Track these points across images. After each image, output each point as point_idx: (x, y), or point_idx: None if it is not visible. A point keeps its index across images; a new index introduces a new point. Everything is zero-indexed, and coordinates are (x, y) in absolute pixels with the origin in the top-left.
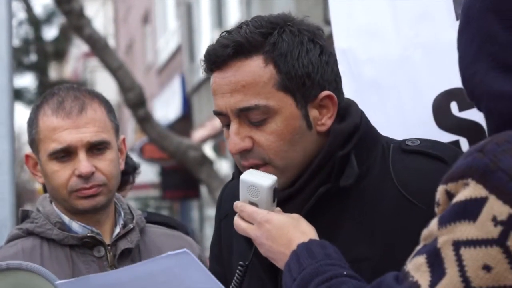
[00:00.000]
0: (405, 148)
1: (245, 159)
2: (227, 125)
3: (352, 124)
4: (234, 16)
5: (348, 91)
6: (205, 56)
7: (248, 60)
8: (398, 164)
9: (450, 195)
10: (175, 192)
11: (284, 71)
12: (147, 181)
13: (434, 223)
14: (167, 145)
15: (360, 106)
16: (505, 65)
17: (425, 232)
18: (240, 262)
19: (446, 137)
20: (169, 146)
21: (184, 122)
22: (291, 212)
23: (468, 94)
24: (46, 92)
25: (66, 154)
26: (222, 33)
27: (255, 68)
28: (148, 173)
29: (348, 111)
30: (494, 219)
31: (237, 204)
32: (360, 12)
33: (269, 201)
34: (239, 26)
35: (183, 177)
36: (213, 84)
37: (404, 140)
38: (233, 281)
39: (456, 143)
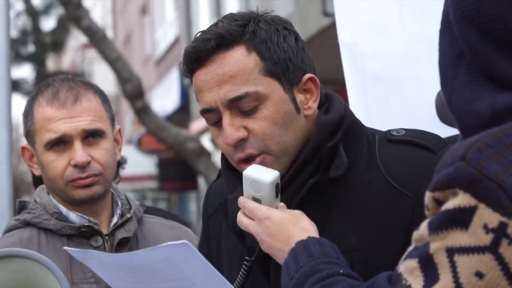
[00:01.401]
0: (390, 138)
1: (241, 150)
2: (215, 122)
3: (338, 115)
4: (232, 7)
5: (352, 85)
6: (185, 56)
7: (231, 51)
8: (384, 154)
9: (438, 202)
10: (172, 183)
11: (267, 57)
12: (144, 173)
13: (424, 227)
14: (165, 136)
15: (364, 100)
16: (483, 74)
17: (415, 234)
18: (246, 257)
19: (448, 131)
20: (167, 137)
21: (182, 114)
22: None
23: (445, 98)
24: (41, 83)
25: (61, 143)
26: (196, 33)
27: (240, 57)
28: (145, 164)
29: (332, 104)
30: (485, 226)
31: (240, 200)
32: (364, 6)
33: (271, 197)
34: (214, 24)
35: (181, 169)
36: (198, 83)
37: (389, 131)
38: (239, 276)
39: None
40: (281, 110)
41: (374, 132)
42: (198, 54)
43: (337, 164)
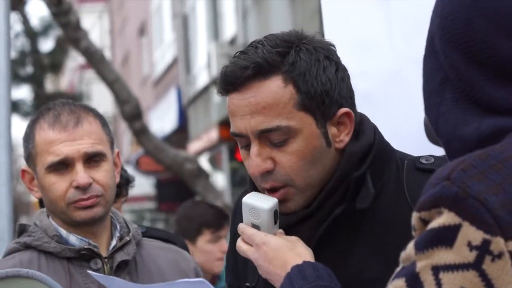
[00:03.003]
0: (419, 167)
1: (265, 181)
2: (245, 146)
3: (366, 144)
4: (230, 29)
5: None
6: (221, 77)
7: (267, 81)
8: (412, 183)
9: (424, 222)
10: (170, 204)
11: (304, 91)
12: (142, 193)
13: (411, 247)
14: (163, 157)
15: None
16: (469, 98)
17: (403, 255)
18: (247, 284)
19: (437, 151)
20: (165, 158)
21: (180, 135)
22: (306, 233)
23: (431, 122)
24: (42, 107)
25: (63, 166)
26: (236, 53)
27: (275, 88)
28: (143, 185)
29: (361, 128)
30: (469, 244)
31: (239, 227)
32: (353, 25)
33: (270, 224)
34: (254, 46)
35: (178, 190)
36: (231, 106)
37: (418, 158)
38: None
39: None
40: (310, 146)
41: (403, 157)
42: (234, 80)
43: (364, 195)
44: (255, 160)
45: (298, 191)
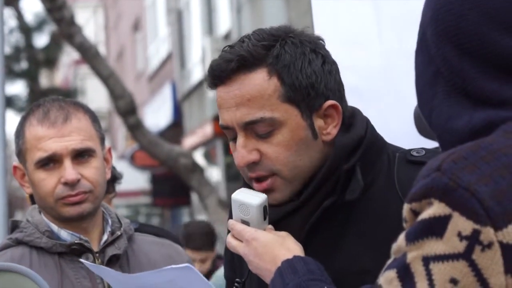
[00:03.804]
0: (410, 159)
1: (253, 171)
2: (233, 138)
3: (356, 136)
4: (224, 23)
5: None
6: (209, 71)
7: (252, 74)
8: (402, 176)
9: (415, 213)
10: (165, 199)
11: (288, 83)
12: (138, 188)
13: (401, 239)
14: (157, 152)
15: None
16: (460, 91)
17: (394, 247)
18: (237, 279)
19: (426, 144)
20: (160, 153)
21: (175, 129)
22: (296, 226)
23: (425, 116)
24: (33, 104)
25: (52, 162)
26: (224, 47)
27: (260, 81)
28: (139, 180)
29: (353, 121)
30: (459, 234)
31: (229, 223)
32: (344, 19)
33: (259, 219)
34: (241, 40)
35: (174, 184)
36: (218, 99)
37: (409, 150)
38: None
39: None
40: (296, 137)
41: (395, 150)
42: (219, 73)
43: (353, 187)
44: (240, 151)
45: (285, 182)
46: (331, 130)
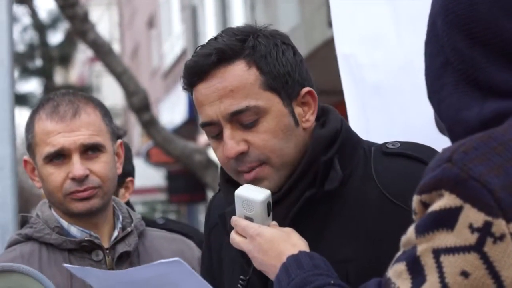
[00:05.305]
0: (386, 151)
1: (242, 163)
2: (216, 135)
3: (333, 129)
4: (238, 20)
5: (351, 96)
6: (186, 70)
7: (231, 66)
8: (379, 167)
9: (425, 205)
10: (181, 196)
11: (267, 71)
12: (154, 185)
13: (411, 231)
14: (172, 149)
15: (363, 110)
16: (470, 81)
17: (403, 239)
18: (241, 277)
19: (448, 142)
20: (174, 150)
21: (190, 126)
22: (279, 217)
23: (433, 107)
24: (43, 98)
25: (60, 157)
26: (196, 48)
27: (240, 72)
28: (155, 177)
29: (328, 118)
30: (470, 226)
31: (232, 219)
32: (362, 18)
33: (263, 215)
34: (213, 39)
35: (189, 181)
36: (199, 97)
37: (384, 143)
38: None
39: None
40: (281, 123)
41: (370, 144)
42: (199, 69)
43: (332, 177)
44: (229, 143)
45: (274, 170)
46: (309, 117)
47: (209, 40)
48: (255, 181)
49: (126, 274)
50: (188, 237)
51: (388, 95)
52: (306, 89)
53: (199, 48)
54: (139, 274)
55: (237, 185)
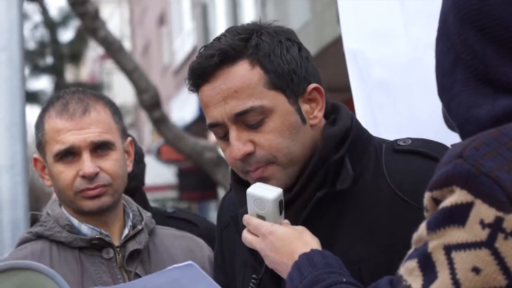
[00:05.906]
0: (397, 148)
1: (249, 164)
2: (223, 136)
3: (344, 127)
4: (249, 17)
5: (358, 92)
6: (190, 72)
7: (234, 66)
8: (391, 165)
9: (436, 201)
10: (192, 193)
11: (271, 70)
12: (164, 183)
13: (422, 228)
14: (182, 146)
15: (370, 106)
16: (482, 78)
17: (415, 236)
18: (254, 276)
19: (456, 138)
20: (185, 147)
21: (201, 123)
22: (290, 217)
23: (443, 104)
24: (53, 96)
25: (70, 155)
26: (200, 48)
27: (243, 72)
28: (165, 174)
29: (338, 115)
30: (481, 222)
31: (244, 218)
32: (369, 14)
33: (275, 214)
34: (217, 39)
35: (200, 178)
36: (204, 98)
37: (395, 140)
38: None
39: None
40: (287, 122)
41: (381, 141)
42: (202, 71)
43: (344, 177)
44: (235, 144)
45: (281, 169)
46: (317, 113)
47: (213, 40)
48: (262, 180)
49: (139, 283)
50: (193, 224)
51: (395, 91)
52: (313, 85)
53: (203, 49)
54: (153, 282)
55: (248, 185)
